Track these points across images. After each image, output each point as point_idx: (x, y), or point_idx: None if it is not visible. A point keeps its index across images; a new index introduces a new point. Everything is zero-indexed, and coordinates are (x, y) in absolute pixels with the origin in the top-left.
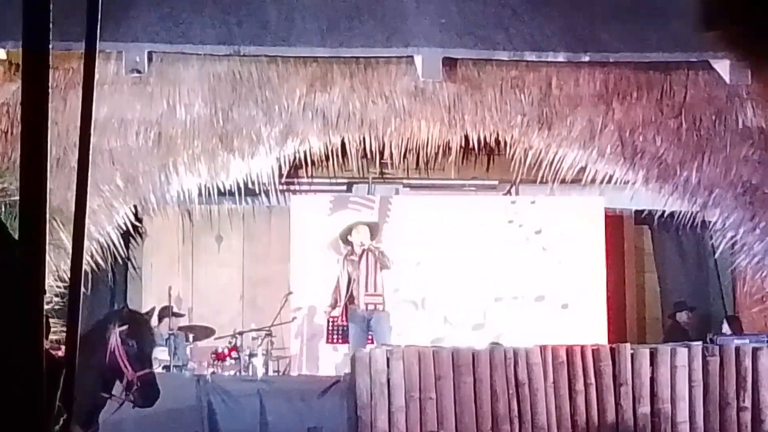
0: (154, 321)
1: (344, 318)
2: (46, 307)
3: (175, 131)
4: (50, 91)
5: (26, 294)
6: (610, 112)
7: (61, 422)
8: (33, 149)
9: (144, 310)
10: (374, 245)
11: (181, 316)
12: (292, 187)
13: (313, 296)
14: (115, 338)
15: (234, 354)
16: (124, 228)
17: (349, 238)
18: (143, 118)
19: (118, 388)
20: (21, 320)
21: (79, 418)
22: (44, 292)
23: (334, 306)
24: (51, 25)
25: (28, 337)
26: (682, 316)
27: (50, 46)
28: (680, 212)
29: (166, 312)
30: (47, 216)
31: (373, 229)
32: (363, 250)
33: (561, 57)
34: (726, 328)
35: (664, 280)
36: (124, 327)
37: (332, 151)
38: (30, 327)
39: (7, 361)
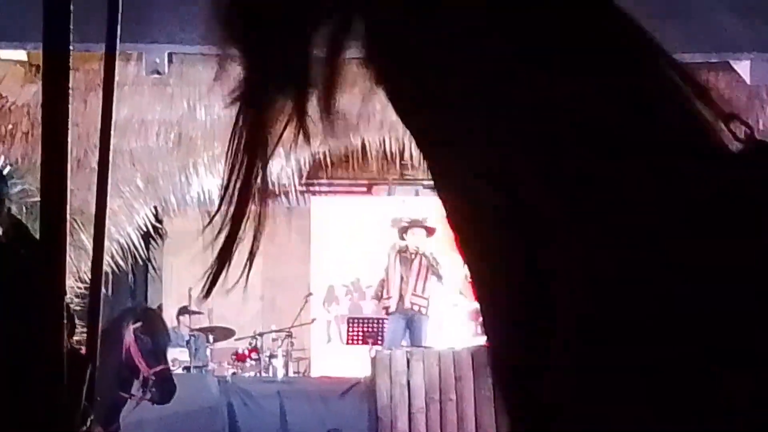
0: (172, 321)
1: (371, 320)
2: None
3: (195, 132)
4: (71, 92)
5: (47, 294)
6: None
7: (89, 422)
8: (53, 150)
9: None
10: (428, 251)
11: (200, 314)
12: (311, 189)
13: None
14: (129, 335)
15: (254, 355)
16: (145, 229)
17: (404, 236)
18: (163, 119)
19: (135, 386)
20: (42, 320)
21: (99, 417)
22: (65, 292)
23: (379, 298)
24: (71, 27)
25: (48, 337)
26: None
27: (70, 48)
28: None
29: (185, 311)
30: (68, 217)
31: (430, 232)
32: (416, 252)
33: None
34: None
35: None
36: (138, 324)
37: (352, 152)
38: (51, 326)
39: (30, 360)
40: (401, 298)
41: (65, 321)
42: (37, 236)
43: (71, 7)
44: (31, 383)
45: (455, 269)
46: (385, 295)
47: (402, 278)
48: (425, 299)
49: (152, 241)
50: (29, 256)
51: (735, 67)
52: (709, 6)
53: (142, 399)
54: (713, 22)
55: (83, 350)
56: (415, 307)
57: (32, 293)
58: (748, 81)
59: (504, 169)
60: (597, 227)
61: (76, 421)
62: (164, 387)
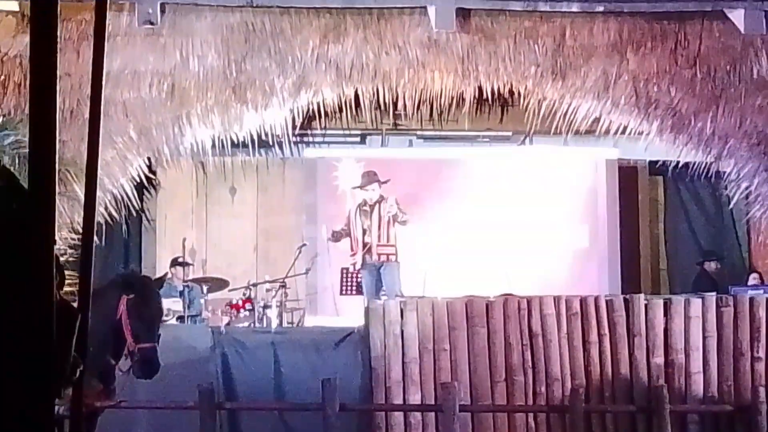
0: (167, 272)
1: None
2: (61, 258)
3: (188, 83)
4: (63, 42)
5: (37, 242)
6: (624, 62)
7: (78, 373)
8: (41, 99)
9: (158, 270)
10: (389, 199)
11: (190, 265)
12: (305, 139)
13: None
14: (123, 304)
15: (248, 305)
16: (138, 180)
17: (362, 190)
18: (156, 70)
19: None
20: (32, 268)
21: (93, 372)
22: (54, 241)
23: (336, 239)
24: None
25: (39, 285)
26: (711, 266)
27: None
28: (695, 163)
29: (176, 263)
30: (56, 166)
31: (380, 185)
32: (376, 202)
33: (575, 7)
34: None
35: (678, 231)
36: (132, 296)
37: (345, 102)
38: (41, 275)
39: (19, 309)
40: (369, 250)
41: (55, 272)
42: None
43: None
44: (20, 333)
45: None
46: (351, 251)
47: (364, 231)
48: (392, 246)
49: (146, 192)
50: (20, 206)
51: (729, 15)
52: None
53: (125, 373)
54: None
55: (75, 302)
56: (383, 257)
57: (23, 241)
58: (742, 30)
59: None
60: None
61: (66, 371)
62: (146, 364)
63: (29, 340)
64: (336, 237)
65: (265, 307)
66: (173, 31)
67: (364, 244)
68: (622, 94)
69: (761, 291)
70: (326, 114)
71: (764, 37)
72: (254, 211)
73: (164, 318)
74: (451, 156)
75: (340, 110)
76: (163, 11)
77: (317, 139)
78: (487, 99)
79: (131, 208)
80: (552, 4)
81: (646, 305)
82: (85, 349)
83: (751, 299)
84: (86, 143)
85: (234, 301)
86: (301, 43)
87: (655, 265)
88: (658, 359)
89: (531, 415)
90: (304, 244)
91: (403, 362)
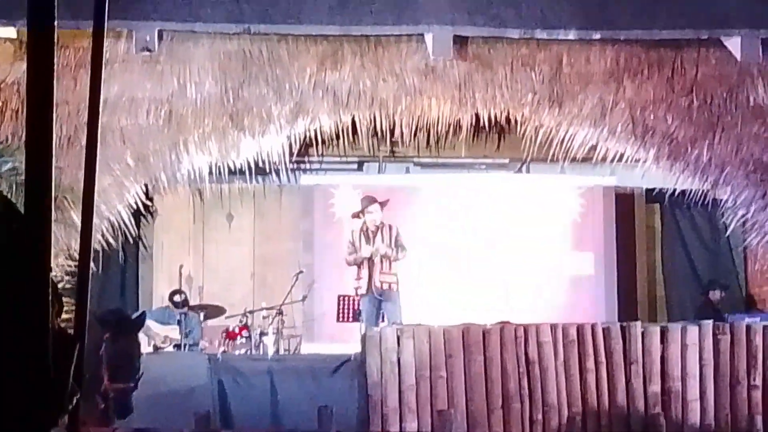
0: (164, 300)
1: (359, 298)
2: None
3: (185, 110)
4: (61, 69)
5: (33, 269)
6: (620, 89)
7: (74, 402)
8: (38, 126)
9: (155, 296)
10: (390, 225)
11: (185, 301)
12: (302, 166)
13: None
14: (104, 343)
15: (245, 333)
16: (135, 207)
17: (361, 216)
18: (154, 97)
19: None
20: (28, 295)
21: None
22: (50, 268)
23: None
24: (56, 3)
25: (35, 313)
26: (716, 295)
27: (56, 24)
28: (691, 190)
29: (177, 295)
30: (53, 193)
31: (383, 205)
32: (377, 227)
33: (572, 35)
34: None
35: (675, 258)
36: (108, 334)
37: (343, 129)
38: (37, 302)
39: (16, 337)
40: (370, 277)
41: (52, 299)
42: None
43: None
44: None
45: (447, 241)
46: (356, 276)
47: (366, 258)
48: (393, 275)
49: (143, 219)
50: (16, 232)
51: (725, 43)
52: None
53: (100, 408)
54: (704, 0)
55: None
56: (385, 285)
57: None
58: (738, 57)
59: None
60: None
61: (63, 400)
62: (119, 406)
63: (25, 368)
64: (355, 261)
65: (262, 334)
66: (170, 58)
67: (369, 274)
68: (619, 121)
69: (758, 319)
70: (323, 141)
71: (761, 65)
72: (251, 238)
73: (161, 346)
74: (448, 183)
75: (337, 137)
76: (160, 38)
77: (314, 166)
78: (484, 126)
79: (128, 235)
80: (549, 31)
81: (642, 333)
82: (82, 377)
83: (748, 327)
84: (83, 170)
85: (231, 329)
86: (299, 71)
87: (652, 293)
88: (655, 387)
89: None
90: (301, 271)
91: (399, 389)
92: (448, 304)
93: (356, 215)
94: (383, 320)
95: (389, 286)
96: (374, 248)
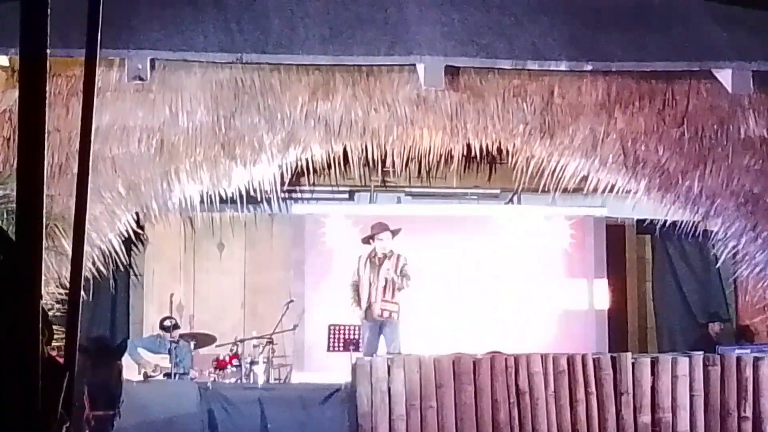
0: (154, 328)
1: (352, 327)
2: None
3: (177, 138)
4: (53, 98)
5: (23, 297)
6: (612, 121)
7: (64, 430)
8: (30, 154)
9: (146, 325)
10: (399, 254)
11: (177, 328)
12: (293, 195)
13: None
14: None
15: (235, 361)
16: (126, 235)
17: (371, 242)
18: (145, 125)
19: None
20: (19, 323)
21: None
22: (41, 296)
23: (358, 303)
24: (49, 32)
25: (25, 341)
26: (715, 327)
27: (48, 52)
28: (682, 221)
29: (167, 320)
30: (44, 221)
31: (395, 235)
32: (385, 255)
33: (563, 66)
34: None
35: (666, 290)
36: (89, 362)
37: (334, 159)
38: (27, 330)
39: (6, 365)
40: (370, 305)
41: (43, 327)
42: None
43: (49, 11)
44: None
45: (438, 271)
46: (356, 303)
47: (371, 284)
48: (395, 304)
49: (134, 247)
50: (7, 260)
51: (717, 75)
52: (691, 16)
53: None
54: (696, 32)
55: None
56: (386, 313)
57: (9, 298)
58: (729, 89)
59: None
60: None
61: (52, 428)
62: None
63: (15, 396)
64: (355, 285)
65: (252, 363)
66: (163, 86)
67: (369, 297)
68: (610, 152)
69: (748, 350)
70: (315, 170)
71: (751, 96)
72: (242, 267)
73: (151, 374)
74: (439, 213)
75: (329, 167)
76: (152, 67)
77: (305, 196)
78: (476, 156)
79: (119, 263)
80: (540, 62)
81: (633, 363)
82: (71, 406)
83: (738, 358)
84: (74, 198)
85: (221, 357)
86: (290, 100)
87: (642, 324)
88: (645, 418)
89: None
90: (292, 300)
91: (389, 419)
92: (438, 333)
93: (366, 240)
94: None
95: (390, 315)
96: (378, 275)
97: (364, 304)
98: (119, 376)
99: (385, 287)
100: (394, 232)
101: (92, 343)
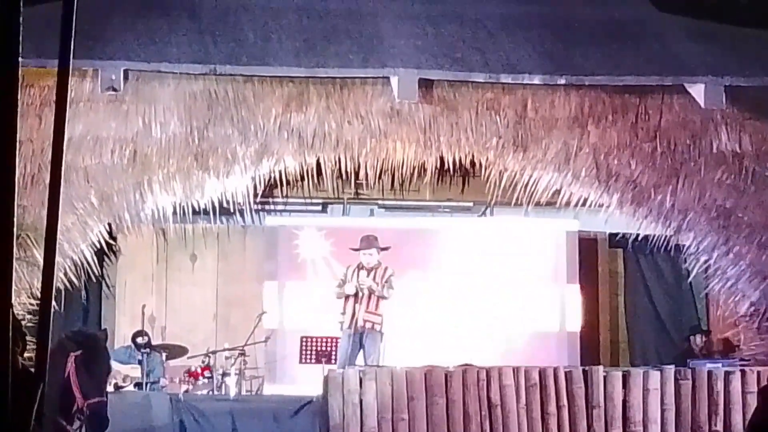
0: (126, 339)
1: (324, 339)
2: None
3: (150, 149)
4: (25, 108)
5: None
6: (585, 135)
7: None
8: (1, 164)
9: (117, 337)
10: (386, 267)
11: (148, 343)
12: (267, 207)
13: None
14: (71, 362)
15: (207, 373)
16: (98, 246)
17: (360, 254)
18: (118, 136)
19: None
20: None
21: None
22: (11, 305)
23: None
24: (21, 41)
25: None
26: (696, 340)
27: (20, 62)
28: (654, 236)
29: (140, 336)
30: (15, 231)
31: (382, 251)
32: (373, 268)
33: (537, 79)
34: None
35: (638, 304)
36: (79, 352)
37: (307, 171)
38: None
39: None
40: (353, 315)
41: (17, 338)
42: None
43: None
44: None
45: (411, 284)
46: (342, 310)
47: (357, 294)
48: (379, 315)
49: (106, 258)
50: None
51: (689, 90)
52: (664, 31)
53: (78, 430)
54: (668, 47)
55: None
56: (368, 324)
57: None
58: (702, 104)
59: None
60: None
61: None
62: (96, 420)
63: None
64: (338, 296)
65: (224, 374)
66: (136, 97)
67: (353, 308)
68: (583, 166)
69: (720, 364)
70: (288, 182)
71: (724, 111)
72: (214, 279)
73: (122, 385)
74: (412, 226)
75: (302, 179)
76: (126, 78)
77: (279, 207)
78: (449, 169)
79: (91, 274)
80: (514, 76)
81: (605, 377)
82: (42, 416)
83: (710, 372)
84: (46, 208)
85: (193, 369)
86: (264, 112)
87: (614, 338)
88: (617, 431)
89: None
90: (264, 312)
91: (361, 431)
92: (411, 346)
93: (355, 250)
94: (363, 360)
95: (372, 326)
96: (359, 283)
97: (348, 314)
98: (108, 362)
99: (369, 298)
100: (382, 249)
101: (79, 335)
